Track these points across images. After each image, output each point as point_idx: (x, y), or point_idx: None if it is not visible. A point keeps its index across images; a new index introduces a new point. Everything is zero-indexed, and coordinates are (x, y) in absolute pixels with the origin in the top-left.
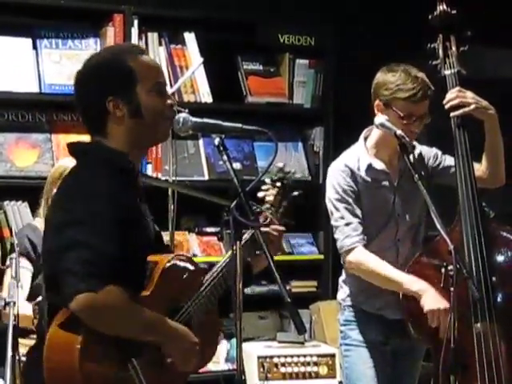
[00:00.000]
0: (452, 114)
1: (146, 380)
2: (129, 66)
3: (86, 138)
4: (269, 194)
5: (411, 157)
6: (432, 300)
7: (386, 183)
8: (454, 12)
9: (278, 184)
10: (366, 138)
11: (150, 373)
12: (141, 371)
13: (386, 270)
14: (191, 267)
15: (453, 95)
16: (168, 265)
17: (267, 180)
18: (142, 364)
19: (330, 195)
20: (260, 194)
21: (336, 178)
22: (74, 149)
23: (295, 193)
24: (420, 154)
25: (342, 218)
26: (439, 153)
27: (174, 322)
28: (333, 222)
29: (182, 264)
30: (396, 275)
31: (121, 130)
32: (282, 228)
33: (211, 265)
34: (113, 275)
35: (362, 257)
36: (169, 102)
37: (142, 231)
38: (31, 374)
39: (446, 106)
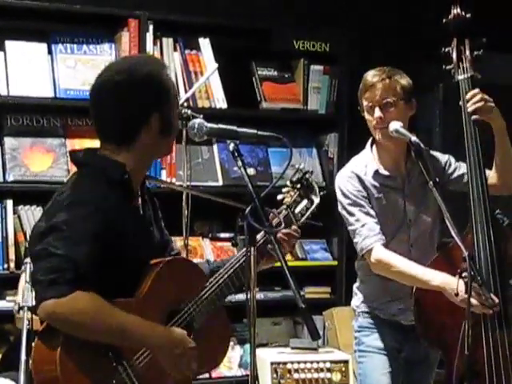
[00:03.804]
0: (474, 118)
1: (142, 383)
2: (166, 82)
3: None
4: (287, 195)
5: (427, 163)
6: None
7: (395, 188)
8: (468, 16)
9: (298, 185)
10: (372, 145)
11: (148, 376)
12: (136, 374)
13: (409, 267)
14: (191, 269)
15: (477, 97)
16: (162, 267)
17: (287, 182)
18: (138, 367)
19: (343, 202)
20: (279, 197)
21: (345, 185)
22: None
23: (320, 193)
24: (432, 161)
25: (358, 220)
26: (452, 160)
27: (170, 325)
28: (349, 228)
29: (179, 266)
30: (420, 271)
31: (146, 145)
32: (291, 231)
33: (207, 261)
34: (83, 281)
35: (382, 256)
36: None
37: (137, 237)
38: None
39: (470, 109)
